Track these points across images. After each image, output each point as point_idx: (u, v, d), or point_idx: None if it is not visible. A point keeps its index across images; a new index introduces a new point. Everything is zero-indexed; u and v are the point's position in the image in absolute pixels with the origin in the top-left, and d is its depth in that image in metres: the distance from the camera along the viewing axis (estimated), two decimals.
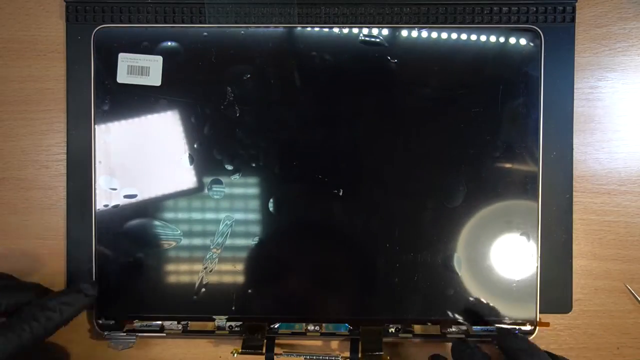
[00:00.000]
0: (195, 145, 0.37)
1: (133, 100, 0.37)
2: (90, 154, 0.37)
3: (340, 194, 0.37)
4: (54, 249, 0.39)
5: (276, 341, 0.37)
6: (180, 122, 0.37)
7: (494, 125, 0.37)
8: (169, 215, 0.37)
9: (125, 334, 0.37)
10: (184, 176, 0.37)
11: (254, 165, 0.37)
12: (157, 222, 0.37)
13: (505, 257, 0.37)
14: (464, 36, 0.37)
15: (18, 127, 0.39)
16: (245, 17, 0.37)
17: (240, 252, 0.37)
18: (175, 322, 0.37)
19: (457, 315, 0.37)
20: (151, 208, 0.37)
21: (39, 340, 0.31)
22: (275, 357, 0.36)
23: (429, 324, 0.37)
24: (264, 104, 0.37)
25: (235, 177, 0.37)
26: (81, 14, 0.38)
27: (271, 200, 0.37)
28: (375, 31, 0.37)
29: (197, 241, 0.37)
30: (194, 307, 0.37)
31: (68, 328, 0.38)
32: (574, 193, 0.38)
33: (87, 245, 0.37)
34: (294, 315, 0.37)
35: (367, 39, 0.37)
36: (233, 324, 0.37)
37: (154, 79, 0.37)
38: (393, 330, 0.37)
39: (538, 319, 0.37)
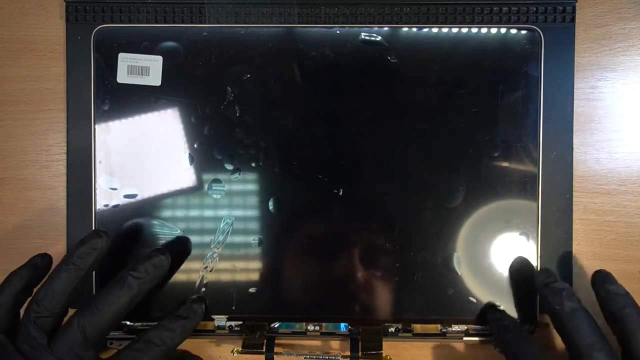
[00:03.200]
0: (195, 145, 0.37)
1: (133, 100, 0.37)
2: (90, 154, 0.37)
3: (340, 193, 0.37)
4: (54, 249, 0.39)
5: (276, 341, 0.37)
6: (180, 122, 0.37)
7: (494, 125, 0.37)
8: (169, 214, 0.37)
9: (125, 333, 0.37)
10: (184, 176, 0.37)
11: (253, 164, 0.37)
12: (157, 222, 0.37)
13: (505, 256, 0.37)
14: (463, 36, 0.37)
15: (18, 127, 0.39)
16: (245, 17, 0.37)
17: (240, 252, 0.37)
18: None
19: (457, 315, 0.37)
20: (151, 208, 0.37)
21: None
22: (275, 356, 0.36)
23: (429, 323, 0.37)
24: (264, 104, 0.37)
25: (235, 177, 0.37)
26: (81, 14, 0.38)
27: (271, 199, 0.37)
28: (375, 31, 0.37)
29: (197, 241, 0.37)
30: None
31: None
32: (574, 193, 0.38)
33: None
34: (294, 315, 0.37)
35: (367, 38, 0.37)
36: (233, 323, 0.37)
37: (154, 79, 0.37)
38: (393, 330, 0.37)
39: (538, 319, 0.37)
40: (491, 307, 0.37)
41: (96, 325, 0.31)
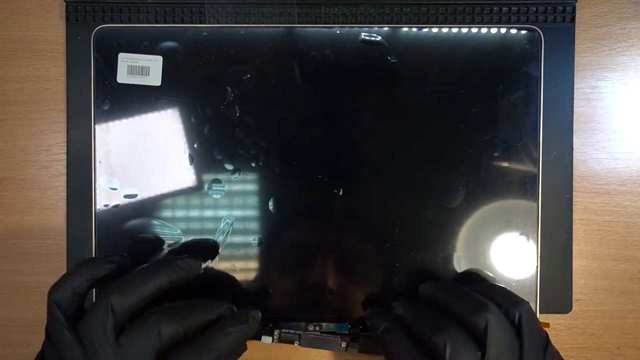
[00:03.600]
0: (195, 145, 0.37)
1: (133, 100, 0.37)
2: (90, 154, 0.37)
3: (340, 193, 0.37)
4: (54, 249, 0.39)
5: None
6: (180, 122, 0.37)
7: (494, 125, 0.37)
8: (169, 214, 0.37)
9: None
10: (184, 176, 0.37)
11: (253, 164, 0.37)
12: (157, 222, 0.37)
13: (505, 257, 0.37)
14: (463, 36, 0.37)
15: (18, 127, 0.39)
16: (245, 17, 0.37)
17: (240, 252, 0.37)
18: None
19: None
20: (151, 208, 0.37)
21: None
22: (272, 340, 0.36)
23: None
24: (264, 104, 0.37)
25: (235, 177, 0.37)
26: (81, 14, 0.38)
27: (271, 199, 0.37)
28: (375, 31, 0.37)
29: (197, 240, 0.37)
30: None
31: None
32: (574, 193, 0.38)
33: (87, 245, 0.37)
34: (294, 315, 0.37)
35: (367, 38, 0.37)
36: None
37: (154, 79, 0.37)
38: None
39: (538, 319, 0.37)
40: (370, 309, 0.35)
41: (124, 303, 0.29)
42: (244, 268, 0.37)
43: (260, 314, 0.34)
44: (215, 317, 0.32)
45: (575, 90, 0.38)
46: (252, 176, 0.37)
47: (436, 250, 0.37)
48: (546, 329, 0.37)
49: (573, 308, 0.38)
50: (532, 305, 0.36)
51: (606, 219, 0.38)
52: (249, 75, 0.37)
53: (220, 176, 0.37)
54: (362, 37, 0.37)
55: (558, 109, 0.37)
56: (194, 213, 0.37)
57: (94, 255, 0.37)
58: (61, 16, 0.38)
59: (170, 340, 0.29)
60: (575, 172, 0.38)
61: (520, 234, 0.37)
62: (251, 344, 0.38)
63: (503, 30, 0.37)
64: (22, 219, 0.39)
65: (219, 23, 0.37)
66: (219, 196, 0.37)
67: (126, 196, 0.37)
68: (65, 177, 0.38)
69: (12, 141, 0.39)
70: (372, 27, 0.37)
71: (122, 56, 0.37)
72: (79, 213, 0.38)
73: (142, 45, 0.37)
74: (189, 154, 0.37)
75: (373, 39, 0.37)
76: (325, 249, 0.37)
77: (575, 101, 0.38)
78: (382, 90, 0.37)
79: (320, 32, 0.37)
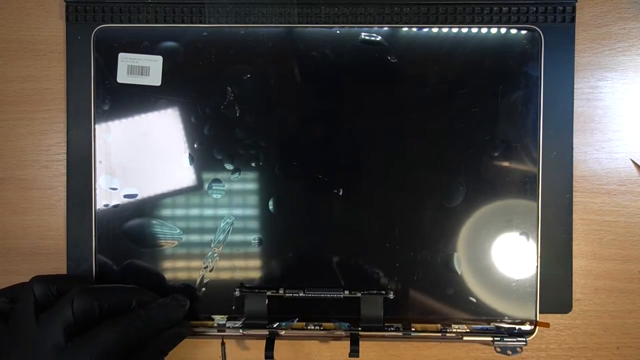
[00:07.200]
0: (195, 145, 0.37)
1: (133, 100, 0.37)
2: (90, 154, 0.37)
3: (340, 193, 0.37)
4: (54, 249, 0.39)
5: (276, 340, 0.37)
6: (180, 121, 0.37)
7: (494, 125, 0.37)
8: (169, 214, 0.37)
9: None
10: (184, 176, 0.37)
11: (253, 164, 0.37)
12: (157, 222, 0.37)
13: (505, 256, 0.37)
14: (463, 36, 0.37)
15: (18, 127, 0.39)
16: (245, 17, 0.37)
17: (240, 251, 0.37)
18: None
19: (457, 315, 0.37)
20: (151, 208, 0.37)
21: (139, 338, 0.32)
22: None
23: (429, 323, 0.37)
24: (264, 104, 0.37)
25: (235, 177, 0.37)
26: (81, 14, 0.38)
27: (271, 199, 0.37)
28: (375, 31, 0.37)
29: (197, 240, 0.37)
30: (194, 306, 0.37)
31: None
32: (574, 193, 0.38)
33: (87, 245, 0.37)
34: (294, 314, 0.37)
35: (367, 38, 0.37)
36: (233, 323, 0.37)
37: (154, 78, 0.37)
38: (393, 330, 0.37)
39: (538, 319, 0.37)
40: None
41: (87, 309, 0.31)
42: (244, 267, 0.37)
43: (188, 301, 0.35)
44: (135, 300, 0.33)
45: (575, 90, 0.38)
46: (252, 176, 0.37)
47: (436, 250, 0.37)
48: (546, 329, 0.37)
49: (573, 308, 0.38)
50: (532, 305, 0.37)
51: (606, 219, 0.38)
52: (249, 75, 0.37)
53: (220, 176, 0.37)
54: (362, 37, 0.37)
55: (558, 109, 0.37)
56: (194, 213, 0.37)
57: (94, 256, 0.37)
58: (61, 16, 0.38)
59: (85, 315, 0.31)
60: (575, 172, 0.38)
61: (520, 234, 0.37)
62: (251, 344, 0.38)
63: (503, 30, 0.37)
64: (22, 219, 0.39)
65: (219, 23, 0.37)
66: (219, 196, 0.37)
67: (126, 196, 0.37)
68: (65, 177, 0.38)
69: (12, 141, 0.39)
70: (372, 27, 0.37)
71: (122, 56, 0.37)
72: (79, 213, 0.38)
73: (142, 45, 0.37)
74: (189, 153, 0.37)
75: (373, 39, 0.37)
76: (325, 249, 0.37)
77: (575, 101, 0.38)
78: (382, 90, 0.37)
79: (320, 32, 0.37)
